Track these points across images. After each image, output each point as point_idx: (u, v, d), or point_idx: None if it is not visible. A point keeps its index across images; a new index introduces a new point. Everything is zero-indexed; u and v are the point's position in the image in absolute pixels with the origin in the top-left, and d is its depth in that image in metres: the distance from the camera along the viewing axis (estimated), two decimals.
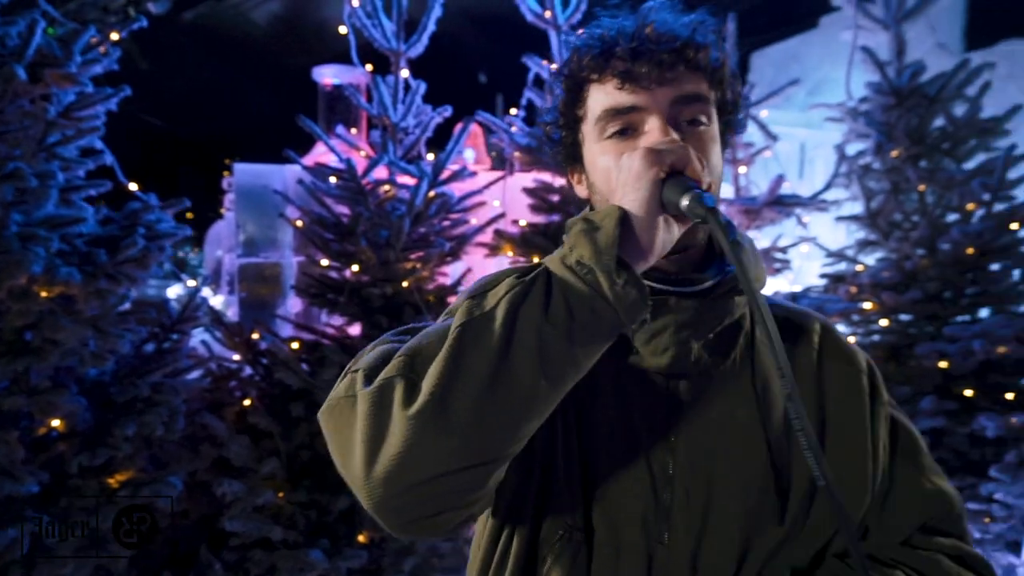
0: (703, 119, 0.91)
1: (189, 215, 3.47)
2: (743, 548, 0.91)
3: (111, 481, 2.86)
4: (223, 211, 6.88)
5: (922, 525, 1.00)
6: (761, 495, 0.92)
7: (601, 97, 0.92)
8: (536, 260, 0.89)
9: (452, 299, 3.87)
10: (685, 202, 0.79)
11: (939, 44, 5.93)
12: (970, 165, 4.65)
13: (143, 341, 3.30)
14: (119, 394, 2.98)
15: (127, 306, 2.94)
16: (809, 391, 0.98)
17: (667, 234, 0.82)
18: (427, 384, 0.75)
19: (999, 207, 4.47)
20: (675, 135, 0.88)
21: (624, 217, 0.79)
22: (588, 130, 0.96)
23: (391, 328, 3.51)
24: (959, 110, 4.73)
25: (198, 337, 3.84)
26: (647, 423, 0.93)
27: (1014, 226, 4.38)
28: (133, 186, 3.25)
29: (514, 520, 0.93)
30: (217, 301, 6.74)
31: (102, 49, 2.90)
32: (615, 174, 0.86)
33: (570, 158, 1.03)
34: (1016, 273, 4.51)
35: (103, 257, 2.81)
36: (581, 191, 1.05)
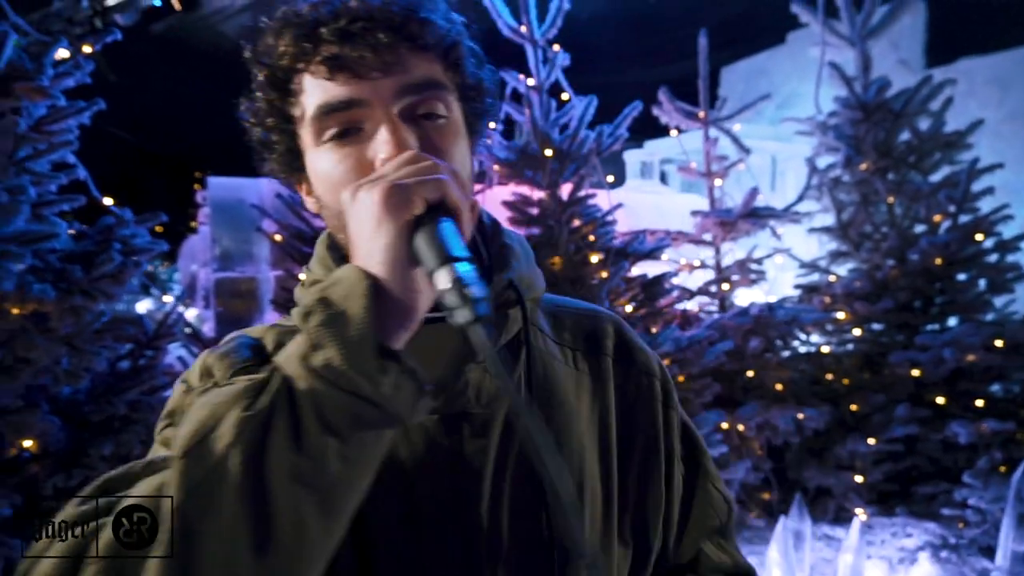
0: (440, 109, 0.74)
1: (159, 228, 3.41)
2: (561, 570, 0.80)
3: None
4: (195, 225, 6.78)
5: (710, 531, 0.95)
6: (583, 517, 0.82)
7: (313, 91, 0.72)
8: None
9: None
10: (442, 283, 0.59)
11: (901, 61, 6.12)
12: (935, 178, 4.80)
13: (118, 358, 3.23)
14: (94, 413, 2.91)
15: (103, 322, 2.87)
16: (607, 402, 0.88)
17: (429, 289, 0.62)
18: None
19: (964, 218, 4.61)
20: (411, 139, 0.70)
21: (373, 289, 0.60)
22: (304, 132, 0.75)
23: None
24: (923, 124, 4.88)
25: (174, 353, 3.78)
26: (434, 481, 0.75)
27: (979, 237, 4.51)
28: (108, 200, 3.19)
29: None
30: (190, 315, 6.62)
31: (74, 62, 2.84)
32: (348, 210, 0.66)
33: (288, 166, 0.79)
34: (982, 283, 4.66)
35: (78, 273, 2.75)
36: (310, 204, 0.82)
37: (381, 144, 0.70)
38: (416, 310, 0.63)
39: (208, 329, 4.82)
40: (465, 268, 0.59)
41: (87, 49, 2.88)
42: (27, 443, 2.73)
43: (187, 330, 3.52)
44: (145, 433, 2.90)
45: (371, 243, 0.62)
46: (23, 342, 2.64)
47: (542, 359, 0.84)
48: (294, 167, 0.79)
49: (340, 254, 0.80)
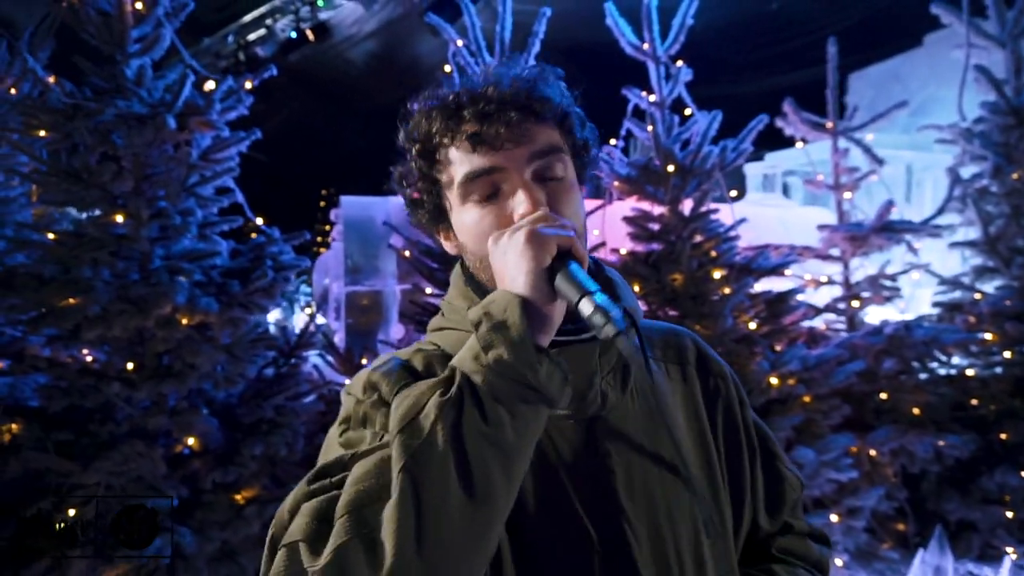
0: (559, 170, 0.91)
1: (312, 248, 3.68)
2: (679, 561, 0.94)
3: (238, 497, 3.04)
4: (323, 241, 7.22)
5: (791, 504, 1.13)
6: (685, 512, 0.96)
7: (458, 162, 0.90)
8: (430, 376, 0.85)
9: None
10: (588, 311, 0.78)
11: None
12: None
13: (264, 365, 3.51)
14: (246, 415, 3.18)
15: (258, 332, 3.14)
16: (699, 407, 1.05)
17: (560, 310, 0.83)
18: (390, 538, 0.70)
19: None
20: (542, 198, 0.87)
21: (525, 304, 0.78)
22: (452, 195, 0.94)
23: None
24: None
25: (309, 362, 4.05)
26: (571, 475, 0.91)
27: None
28: (259, 220, 3.48)
29: None
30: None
31: (237, 96, 3.14)
32: (494, 251, 0.85)
33: (434, 220, 0.99)
34: None
35: (236, 287, 3.03)
36: (449, 248, 1.01)
37: (519, 203, 0.87)
38: (553, 321, 0.82)
39: (339, 340, 5.12)
40: (601, 297, 0.78)
41: (248, 85, 3.17)
42: (190, 441, 3.02)
43: (322, 341, 3.77)
44: (290, 435, 3.14)
45: (516, 272, 0.81)
46: (190, 349, 2.94)
47: (653, 375, 0.98)
48: (439, 220, 0.99)
49: (477, 285, 0.97)
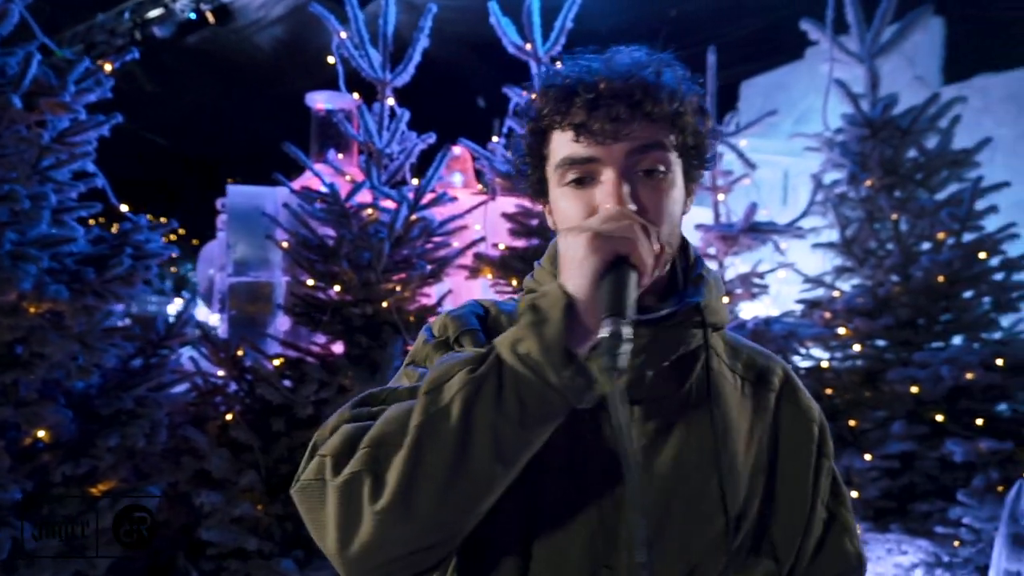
0: (661, 168, 0.92)
1: (181, 232, 3.61)
2: (689, 571, 0.95)
3: (93, 490, 2.97)
4: (217, 230, 7.03)
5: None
6: (710, 521, 0.95)
7: (561, 144, 0.94)
8: (476, 351, 0.87)
9: (433, 318, 3.97)
10: (604, 331, 0.79)
11: (917, 77, 6.09)
12: (941, 196, 4.78)
13: (130, 356, 3.42)
14: (104, 406, 3.10)
15: (119, 322, 3.06)
16: (764, 431, 1.02)
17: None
18: (391, 480, 0.80)
19: (968, 236, 4.59)
20: (627, 193, 0.89)
21: (570, 305, 0.81)
22: (551, 172, 0.97)
23: (370, 347, 3.59)
24: (932, 142, 4.87)
25: (188, 353, 3.97)
26: (596, 451, 0.95)
27: (983, 255, 4.50)
28: (124, 207, 3.39)
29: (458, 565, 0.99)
30: (214, 320, 6.86)
31: (95, 79, 3.05)
32: (562, 244, 0.87)
33: (538, 192, 1.03)
34: (987, 301, 4.63)
35: (91, 275, 2.95)
36: (550, 222, 1.05)
37: (605, 195, 0.90)
38: (594, 332, 0.82)
39: (222, 331, 5.02)
40: (626, 328, 0.79)
41: (108, 67, 3.08)
42: (41, 433, 2.92)
43: (197, 331, 3.70)
44: (149, 427, 3.08)
45: (573, 272, 0.83)
46: (39, 338, 2.84)
47: (713, 374, 1.01)
48: (541, 193, 1.02)
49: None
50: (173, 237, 3.33)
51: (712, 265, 5.22)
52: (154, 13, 10.05)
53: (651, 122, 0.90)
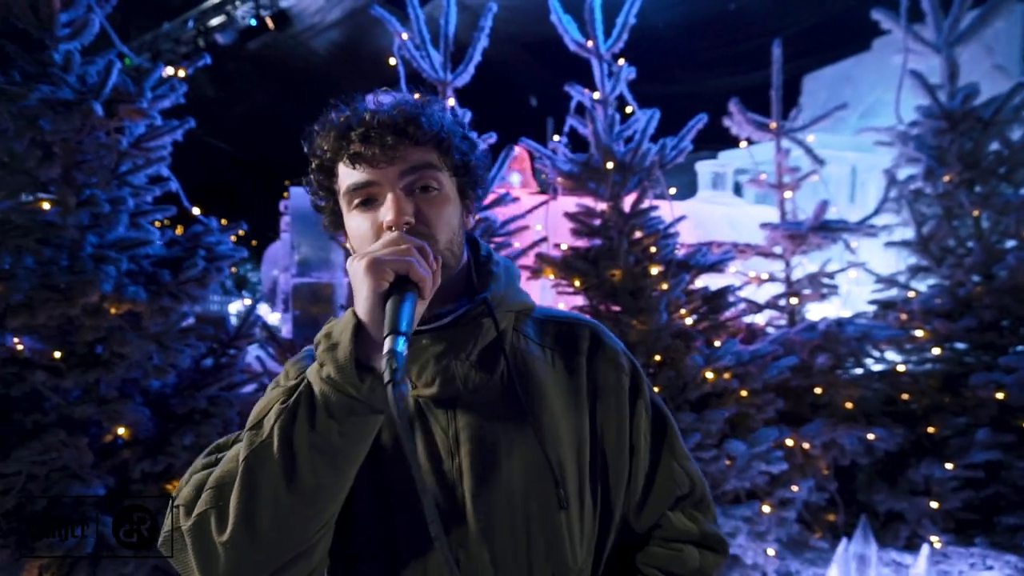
0: (433, 184, 1.03)
1: (242, 233, 3.68)
2: (528, 535, 1.05)
3: (169, 487, 3.03)
4: (280, 232, 7.16)
5: (674, 502, 1.19)
6: (542, 486, 1.06)
7: (345, 175, 1.05)
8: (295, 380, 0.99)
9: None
10: (385, 347, 0.84)
11: (996, 66, 5.77)
12: None
13: (202, 356, 3.50)
14: (179, 405, 3.16)
15: (189, 322, 3.13)
16: (580, 392, 1.13)
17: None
18: (231, 512, 0.90)
19: None
20: (408, 208, 1.00)
21: (358, 327, 0.91)
22: (342, 202, 1.07)
23: None
24: (1016, 134, 4.62)
25: (253, 353, 4.03)
26: (429, 446, 1.05)
27: None
28: (196, 210, 3.46)
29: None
30: (274, 319, 7.00)
31: (170, 85, 3.12)
32: (350, 271, 0.95)
33: (334, 224, 1.12)
34: None
35: (167, 277, 3.01)
36: (351, 248, 1.13)
37: (386, 211, 1.00)
38: (381, 344, 0.88)
39: (286, 331, 5.10)
40: (400, 343, 0.84)
41: (182, 73, 3.15)
42: (121, 431, 3.00)
43: (264, 332, 3.76)
44: (222, 426, 3.14)
45: (358, 296, 0.91)
46: (118, 338, 2.92)
47: (520, 355, 1.12)
48: (338, 224, 1.12)
49: None
50: (233, 239, 3.39)
51: (778, 264, 5.08)
52: (216, 21, 10.34)
53: (418, 145, 1.02)
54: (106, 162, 3.00)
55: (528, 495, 1.05)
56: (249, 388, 3.68)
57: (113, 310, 2.91)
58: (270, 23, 8.95)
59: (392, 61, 4.05)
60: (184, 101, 3.26)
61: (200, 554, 0.92)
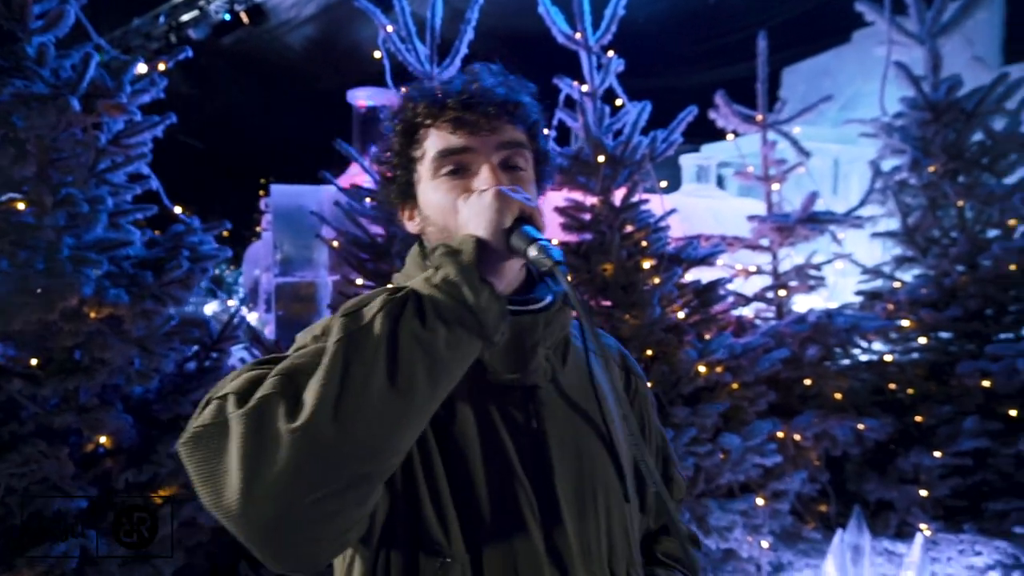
0: (522, 163, 1.04)
1: (225, 234, 3.57)
2: (608, 527, 1.05)
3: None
4: (260, 230, 7.03)
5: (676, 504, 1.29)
6: (611, 479, 1.07)
7: (436, 140, 1.03)
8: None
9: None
10: (533, 253, 0.87)
11: (976, 57, 5.84)
12: (1011, 180, 4.57)
13: (185, 360, 3.39)
14: (163, 411, 3.06)
15: (172, 325, 3.02)
16: (617, 391, 1.14)
17: (513, 269, 0.93)
18: (311, 398, 0.76)
19: None
20: (504, 177, 0.99)
21: (480, 243, 0.88)
22: (423, 169, 1.05)
23: None
24: (998, 124, 4.66)
25: (236, 355, 3.93)
26: (512, 434, 1.01)
27: None
28: (177, 209, 3.35)
29: (387, 552, 0.96)
30: (252, 318, 6.86)
31: (150, 79, 3.00)
32: (463, 208, 0.95)
33: (402, 195, 1.10)
34: None
35: (149, 279, 2.91)
36: (412, 227, 1.12)
37: (482, 179, 0.99)
38: (504, 273, 0.91)
39: (269, 332, 5.00)
40: (545, 242, 0.88)
41: (162, 66, 3.04)
42: (103, 439, 2.90)
43: (249, 334, 3.66)
44: None
45: (481, 220, 0.89)
46: (99, 344, 2.81)
47: (578, 351, 1.13)
48: (407, 195, 1.09)
49: (430, 259, 1.04)
50: (226, 234, 3.28)
51: (766, 257, 5.09)
52: (188, 16, 10.11)
53: (513, 124, 1.03)
54: (83, 160, 2.88)
55: (606, 488, 1.05)
56: None
57: (93, 314, 2.80)
58: (244, 18, 8.78)
59: (377, 54, 3.97)
60: (164, 96, 3.15)
61: (254, 444, 0.74)
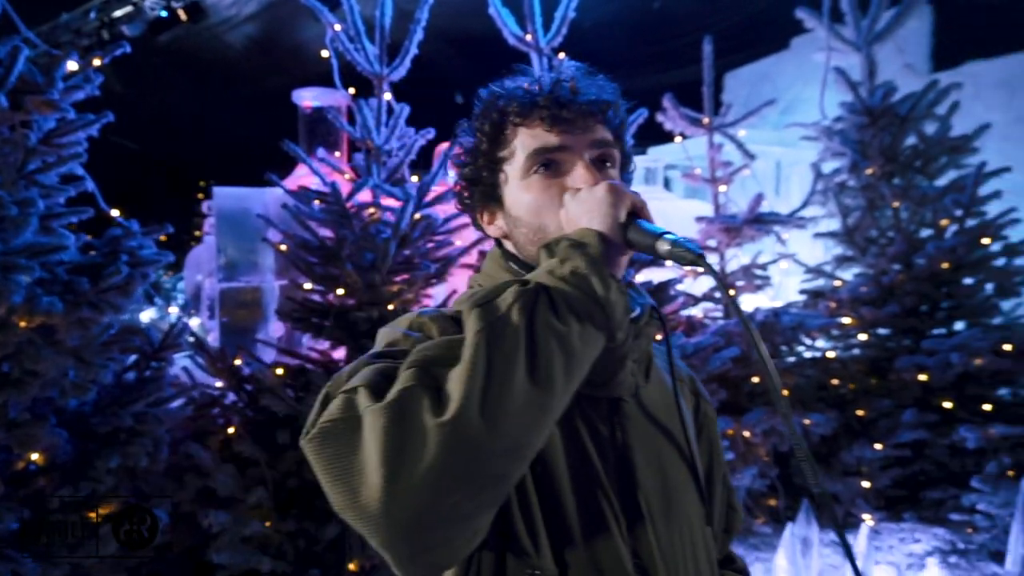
0: (611, 163, 1.02)
1: (163, 238, 3.43)
2: (692, 547, 1.03)
3: (93, 515, 2.79)
4: (200, 234, 6.81)
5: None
6: (693, 500, 1.06)
7: (528, 139, 1.00)
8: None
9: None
10: (665, 247, 0.86)
11: (907, 65, 6.11)
12: (942, 182, 4.78)
13: (124, 370, 3.24)
14: (101, 425, 2.91)
15: (111, 334, 2.88)
16: (690, 415, 1.13)
17: (624, 266, 0.92)
18: (457, 389, 0.73)
19: (971, 223, 4.59)
20: (600, 178, 0.97)
21: (602, 236, 0.87)
22: (512, 169, 1.02)
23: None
24: (929, 129, 4.87)
25: (178, 364, 3.78)
26: (597, 446, 0.99)
27: (985, 241, 4.50)
28: (115, 212, 3.20)
29: (478, 562, 0.93)
30: (194, 323, 6.61)
31: (84, 75, 2.86)
32: (570, 203, 0.94)
33: (486, 198, 1.07)
34: (989, 287, 4.64)
35: (85, 285, 2.76)
36: (493, 230, 1.08)
37: (579, 178, 0.96)
38: (621, 267, 0.90)
39: (213, 339, 4.83)
40: (674, 234, 0.86)
41: (97, 62, 2.89)
42: (34, 456, 2.74)
43: (192, 340, 3.52)
44: (151, 445, 2.91)
45: (592, 216, 0.89)
46: (30, 355, 2.65)
47: (658, 368, 1.11)
48: (491, 198, 1.05)
49: (519, 262, 1.04)
50: (163, 238, 3.14)
51: (713, 257, 5.19)
52: (122, 11, 9.71)
53: (604, 123, 1.01)
54: (11, 160, 2.72)
55: (687, 507, 1.04)
56: (177, 403, 3.44)
57: (23, 323, 2.64)
58: (182, 15, 8.49)
59: (324, 53, 3.88)
60: (99, 93, 3.00)
61: (397, 438, 0.70)
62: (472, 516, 0.76)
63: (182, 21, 8.63)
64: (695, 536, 1.04)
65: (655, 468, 1.01)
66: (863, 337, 4.76)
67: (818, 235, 5.11)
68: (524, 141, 1.00)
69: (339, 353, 3.77)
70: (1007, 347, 4.20)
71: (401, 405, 0.73)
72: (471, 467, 0.73)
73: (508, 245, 1.06)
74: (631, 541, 0.96)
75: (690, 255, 0.84)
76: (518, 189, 1.01)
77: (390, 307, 3.60)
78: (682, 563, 1.00)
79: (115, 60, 3.16)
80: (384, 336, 0.94)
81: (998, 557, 3.86)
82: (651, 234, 0.87)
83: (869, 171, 4.78)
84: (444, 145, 4.83)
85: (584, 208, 0.90)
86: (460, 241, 4.02)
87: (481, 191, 1.05)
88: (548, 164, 0.98)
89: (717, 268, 0.99)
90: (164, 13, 8.72)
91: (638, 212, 0.90)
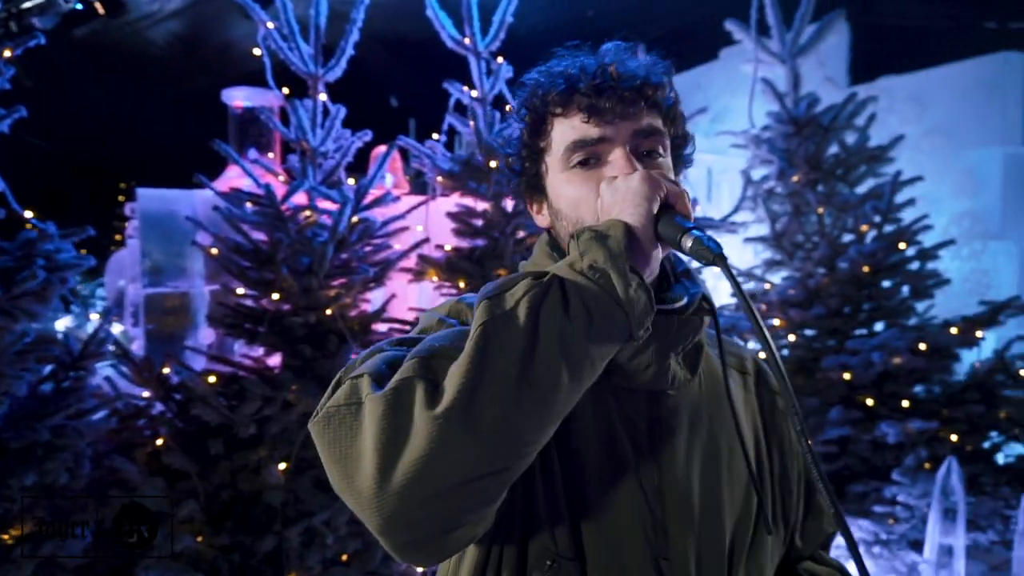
0: (660, 151, 0.98)
1: (84, 251, 3.24)
2: (730, 549, 0.99)
3: (6, 537, 2.60)
4: (121, 238, 6.48)
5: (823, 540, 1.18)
6: (745, 500, 1.01)
7: (567, 130, 0.96)
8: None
9: (376, 325, 3.81)
10: (688, 243, 0.84)
11: (827, 78, 6.39)
12: (861, 190, 5.02)
13: (40, 381, 3.04)
14: (14, 440, 2.72)
15: (26, 343, 2.70)
16: (750, 409, 1.10)
17: (657, 260, 0.89)
18: (452, 383, 0.73)
19: (888, 228, 4.84)
20: (639, 166, 0.92)
21: (629, 229, 0.83)
22: (552, 161, 0.99)
23: (314, 358, 3.37)
24: (849, 139, 5.10)
25: (100, 373, 3.58)
26: (632, 439, 0.96)
27: (902, 246, 4.75)
28: (28, 214, 3.01)
29: (499, 547, 0.91)
30: (116, 330, 6.26)
31: None
32: (606, 193, 0.91)
33: (531, 188, 1.05)
34: (905, 289, 4.89)
35: None
36: (541, 220, 1.07)
37: (617, 166, 0.93)
38: (651, 261, 0.86)
39: (137, 347, 4.61)
40: (700, 232, 0.84)
41: (8, 53, 2.71)
42: None
43: (114, 349, 3.34)
44: (72, 460, 2.74)
45: (624, 206, 0.86)
46: None
47: (711, 362, 1.06)
48: (536, 189, 1.04)
49: (558, 251, 1.02)
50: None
51: None
52: (32, 2, 9.17)
53: (650, 108, 0.96)
54: None
55: (735, 516, 0.99)
56: (100, 415, 3.26)
57: None
58: (100, 8, 8.07)
59: (256, 51, 3.77)
60: (10, 87, 2.82)
61: (392, 427, 0.72)
62: (463, 510, 0.76)
63: (100, 15, 8.21)
64: (735, 542, 0.99)
65: (696, 464, 0.98)
66: (792, 338, 4.94)
67: (748, 240, 5.28)
68: (563, 132, 0.97)
69: (274, 360, 3.66)
70: (922, 346, 4.43)
71: (397, 395, 0.74)
72: (460, 462, 0.72)
73: (557, 236, 1.04)
74: (660, 538, 0.93)
75: (710, 254, 0.82)
76: (559, 182, 0.99)
77: (327, 311, 3.51)
78: (715, 564, 0.96)
79: (27, 53, 2.97)
80: (422, 321, 0.96)
81: (917, 546, 4.06)
82: (678, 228, 0.85)
83: (795, 178, 4.97)
84: (381, 148, 4.75)
85: (616, 199, 0.88)
86: (399, 245, 3.97)
87: (526, 181, 1.04)
88: (587, 158, 0.95)
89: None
90: (79, 6, 8.27)
91: (673, 204, 0.88)
